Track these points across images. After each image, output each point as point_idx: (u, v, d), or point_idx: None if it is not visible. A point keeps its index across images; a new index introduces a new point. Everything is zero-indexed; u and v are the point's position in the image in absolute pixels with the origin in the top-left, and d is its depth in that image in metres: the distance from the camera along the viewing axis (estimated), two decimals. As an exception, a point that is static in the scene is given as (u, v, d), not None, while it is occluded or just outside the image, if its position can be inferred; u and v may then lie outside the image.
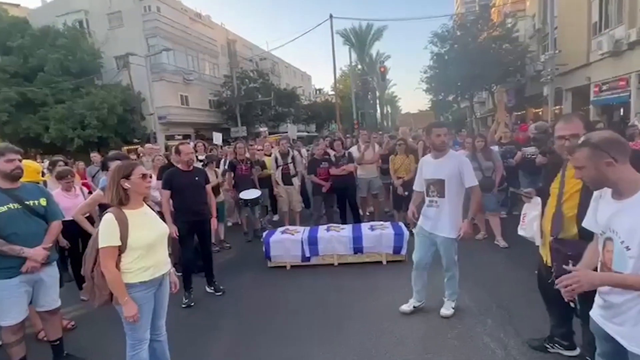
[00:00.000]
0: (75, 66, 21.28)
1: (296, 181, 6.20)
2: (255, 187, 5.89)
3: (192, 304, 3.78)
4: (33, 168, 3.11)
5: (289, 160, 6.07)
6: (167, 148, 9.02)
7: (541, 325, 2.70)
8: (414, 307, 3.25)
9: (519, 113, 22.53)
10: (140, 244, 2.10)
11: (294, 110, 31.81)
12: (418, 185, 3.24)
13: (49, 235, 2.67)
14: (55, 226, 2.74)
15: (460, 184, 2.97)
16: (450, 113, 35.99)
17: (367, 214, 6.68)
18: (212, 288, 4.05)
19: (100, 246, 2.02)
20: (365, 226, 4.87)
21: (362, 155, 6.03)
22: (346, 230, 4.77)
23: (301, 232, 4.78)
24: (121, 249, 2.06)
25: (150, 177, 2.34)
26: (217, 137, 11.64)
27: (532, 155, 5.30)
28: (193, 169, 3.82)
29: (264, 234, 4.93)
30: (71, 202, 3.81)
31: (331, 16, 19.98)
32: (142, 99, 22.99)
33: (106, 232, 2.02)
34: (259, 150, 6.78)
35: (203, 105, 27.35)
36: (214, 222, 4.02)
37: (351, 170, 5.73)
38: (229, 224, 6.87)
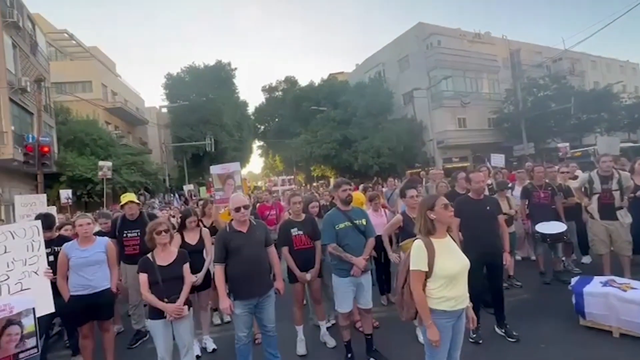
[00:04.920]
0: (375, 108, 26.80)
1: (624, 214, 4.50)
2: (557, 219, 4.82)
3: (480, 341, 3.55)
4: (358, 198, 4.13)
5: (614, 185, 4.50)
6: (447, 173, 9.28)
7: None
8: None
9: None
10: (444, 274, 2.23)
11: (606, 115, 24.02)
12: None
13: (367, 249, 3.39)
14: (371, 242, 3.44)
15: None
16: None
17: None
18: (503, 330, 3.63)
19: (411, 268, 2.31)
20: None
21: None
22: None
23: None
24: (427, 275, 2.27)
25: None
26: (498, 159, 10.62)
27: None
28: (484, 197, 3.66)
29: (573, 279, 3.90)
30: (377, 221, 4.68)
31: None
32: (423, 127, 25.39)
33: (416, 257, 2.28)
34: (562, 172, 5.53)
35: (481, 125, 26.35)
36: (506, 256, 3.63)
37: None
38: (518, 257, 6.02)
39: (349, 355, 3.37)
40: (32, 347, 2.55)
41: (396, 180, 7.87)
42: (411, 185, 3.94)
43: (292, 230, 3.74)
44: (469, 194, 3.72)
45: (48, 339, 4.01)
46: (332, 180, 29.92)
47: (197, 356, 3.72)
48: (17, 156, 13.62)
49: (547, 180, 5.09)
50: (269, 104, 38.76)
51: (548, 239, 4.76)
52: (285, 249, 3.72)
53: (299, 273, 3.67)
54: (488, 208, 3.58)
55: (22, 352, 2.50)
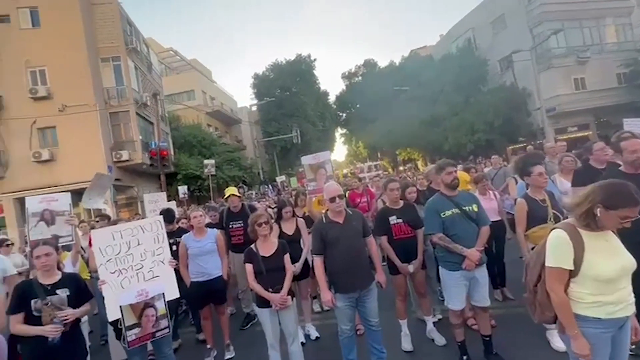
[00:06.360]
0: (464, 80, 24.21)
1: None
2: None
3: None
4: (464, 178, 3.65)
5: None
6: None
7: None
8: None
9: None
10: (598, 275, 1.72)
11: None
12: None
13: (481, 239, 2.94)
14: (485, 231, 2.98)
15: None
16: None
17: None
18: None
19: (547, 264, 1.86)
20: None
21: None
22: None
23: None
24: (572, 274, 1.79)
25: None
26: (636, 124, 8.28)
27: None
28: (642, 171, 2.81)
29: None
30: (487, 205, 4.08)
31: None
32: (526, 95, 21.97)
33: (557, 251, 1.81)
34: None
35: (607, 83, 21.48)
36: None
37: None
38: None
39: (465, 357, 3.01)
40: (165, 327, 2.89)
41: (501, 159, 6.86)
42: (535, 160, 3.27)
43: (390, 218, 3.50)
44: (621, 169, 2.90)
45: (177, 317, 4.61)
46: (419, 164, 28.38)
47: (302, 343, 3.81)
48: (145, 160, 16.28)
49: None
50: (350, 90, 38.45)
51: None
52: (384, 239, 3.50)
53: (401, 264, 3.41)
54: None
55: (158, 331, 2.85)
